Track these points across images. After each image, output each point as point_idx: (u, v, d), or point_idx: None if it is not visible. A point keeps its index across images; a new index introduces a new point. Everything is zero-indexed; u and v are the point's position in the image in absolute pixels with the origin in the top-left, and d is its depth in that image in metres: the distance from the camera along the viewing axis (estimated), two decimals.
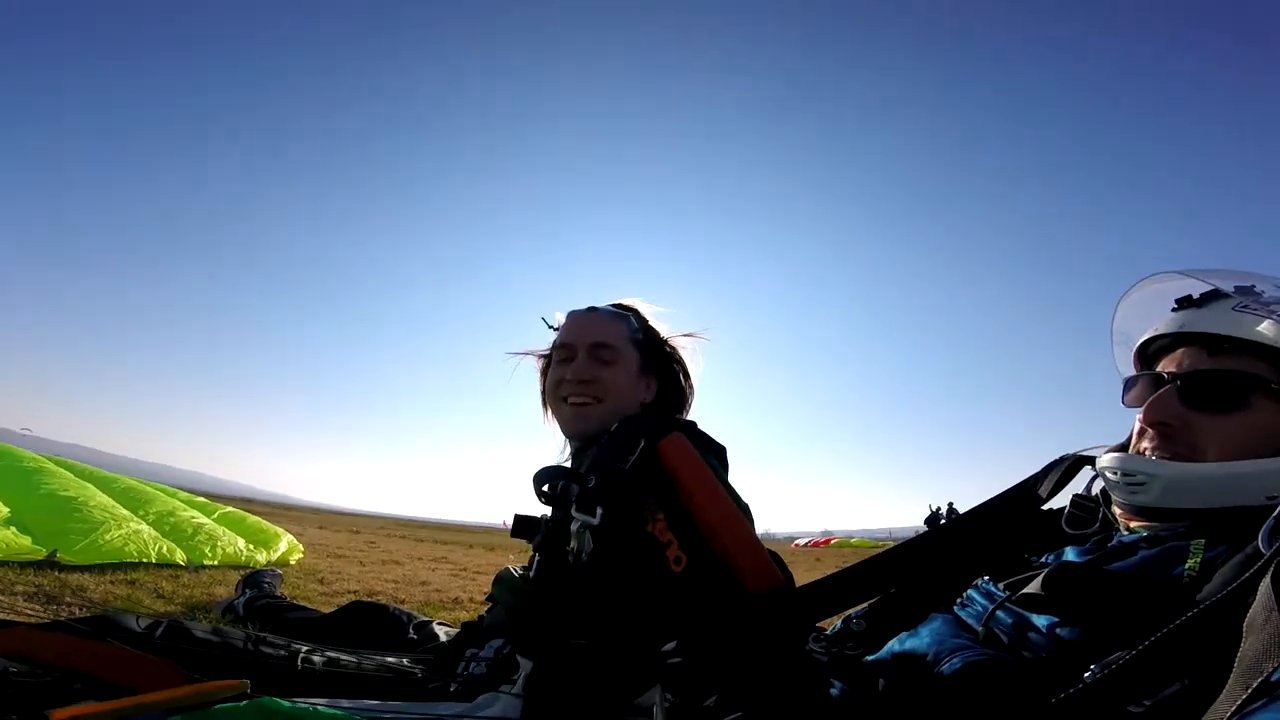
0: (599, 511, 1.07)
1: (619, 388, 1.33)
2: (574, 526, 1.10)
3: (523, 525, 1.29)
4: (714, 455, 1.20)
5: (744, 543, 1.03)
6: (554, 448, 1.51)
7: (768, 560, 1.03)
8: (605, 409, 1.30)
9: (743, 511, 1.09)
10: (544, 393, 1.47)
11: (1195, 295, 0.84)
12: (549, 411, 1.45)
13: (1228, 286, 0.82)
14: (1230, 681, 0.48)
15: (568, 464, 1.44)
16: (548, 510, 1.30)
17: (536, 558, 1.19)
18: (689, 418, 1.41)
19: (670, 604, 1.01)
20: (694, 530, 1.03)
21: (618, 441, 1.16)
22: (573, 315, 1.43)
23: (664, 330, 1.45)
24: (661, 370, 1.41)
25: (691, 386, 1.44)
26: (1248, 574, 0.57)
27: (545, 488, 1.21)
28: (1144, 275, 0.93)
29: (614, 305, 1.45)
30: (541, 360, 1.50)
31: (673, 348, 1.44)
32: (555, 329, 1.46)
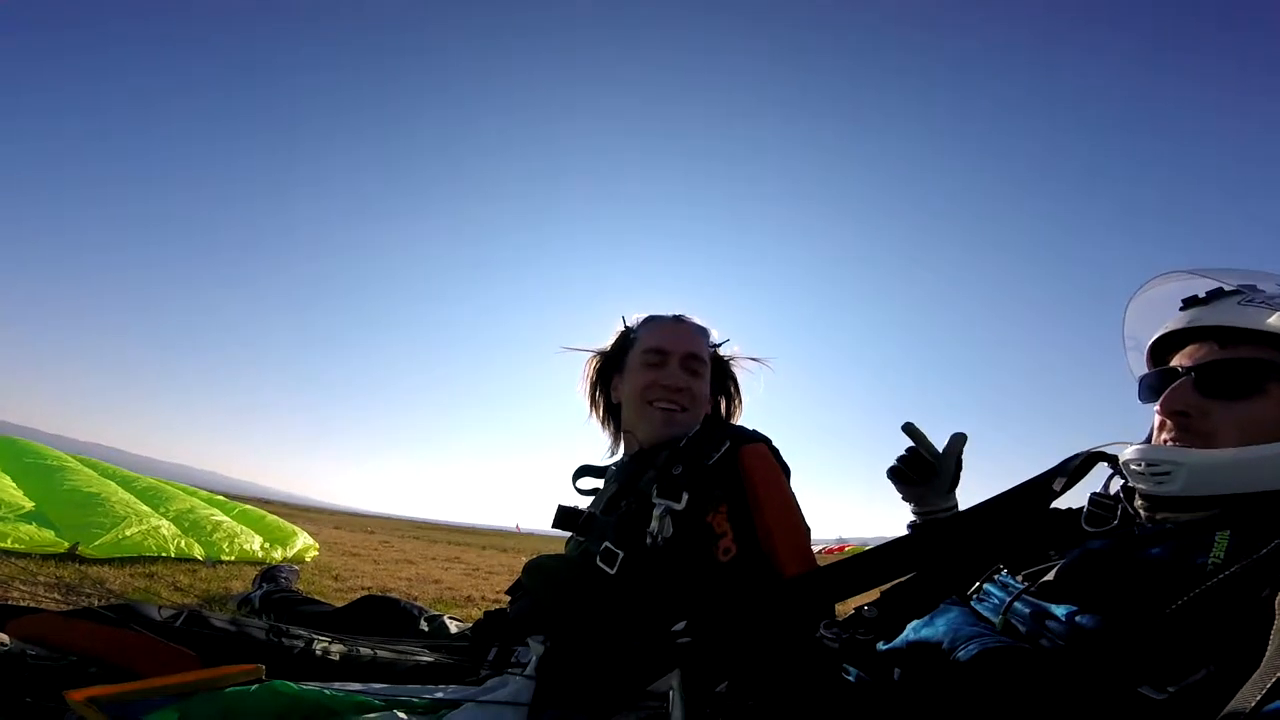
0: (685, 497, 1.12)
1: (702, 399, 1.38)
2: (656, 511, 1.13)
3: (565, 516, 1.31)
4: (784, 473, 1.24)
5: (797, 548, 1.07)
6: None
7: (814, 565, 1.06)
8: (689, 418, 1.35)
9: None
10: (597, 390, 1.49)
11: (1202, 294, 0.86)
12: (615, 410, 1.46)
13: (1231, 284, 0.84)
14: (1270, 651, 0.47)
15: (614, 465, 1.46)
16: (585, 502, 1.35)
17: (611, 547, 1.14)
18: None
19: (707, 590, 1.03)
20: (751, 527, 1.07)
21: (706, 439, 1.21)
22: (662, 321, 1.45)
23: (728, 350, 1.49)
24: (720, 388, 1.46)
25: (740, 405, 1.50)
26: (1272, 545, 0.57)
27: (622, 477, 1.28)
28: (1148, 278, 0.95)
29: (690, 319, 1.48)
30: (596, 358, 1.51)
31: (732, 369, 1.49)
32: (632, 330, 1.47)
